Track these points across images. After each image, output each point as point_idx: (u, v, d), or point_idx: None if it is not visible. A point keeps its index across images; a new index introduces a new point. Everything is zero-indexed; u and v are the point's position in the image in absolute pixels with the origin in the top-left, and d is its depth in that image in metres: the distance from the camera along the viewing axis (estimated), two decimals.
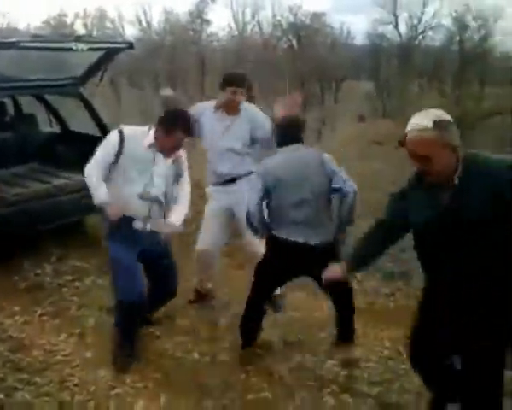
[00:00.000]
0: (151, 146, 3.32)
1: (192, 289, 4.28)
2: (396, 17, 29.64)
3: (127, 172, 3.31)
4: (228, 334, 3.80)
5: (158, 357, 3.54)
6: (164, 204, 3.41)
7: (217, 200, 4.03)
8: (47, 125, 6.34)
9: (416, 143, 2.20)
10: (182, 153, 3.46)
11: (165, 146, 3.31)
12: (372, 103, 28.28)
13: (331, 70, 27.60)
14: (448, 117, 2.22)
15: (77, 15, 27.77)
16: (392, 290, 5.06)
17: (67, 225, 5.22)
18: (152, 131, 3.34)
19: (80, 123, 6.20)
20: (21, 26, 26.84)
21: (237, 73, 4.15)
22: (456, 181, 2.21)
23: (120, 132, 3.33)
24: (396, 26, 29.76)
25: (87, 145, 5.69)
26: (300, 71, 25.68)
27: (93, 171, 3.36)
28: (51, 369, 3.37)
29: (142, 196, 3.31)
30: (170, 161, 3.38)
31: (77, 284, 4.60)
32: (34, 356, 3.52)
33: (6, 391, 3.13)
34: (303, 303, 4.29)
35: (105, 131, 5.59)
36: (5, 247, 4.74)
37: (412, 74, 26.49)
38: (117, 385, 3.23)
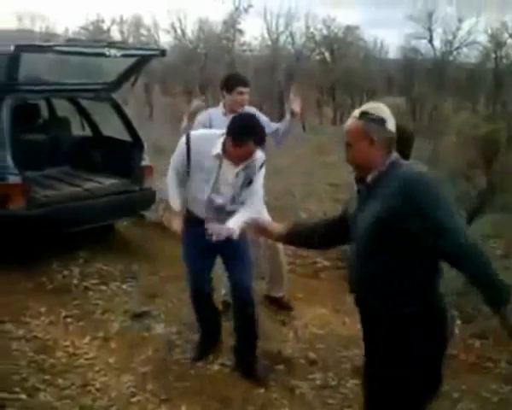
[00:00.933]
0: (218, 156, 3.14)
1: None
2: (431, 32, 29.42)
3: (194, 180, 3.22)
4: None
5: (179, 367, 3.52)
6: (230, 211, 3.24)
7: None
8: (79, 129, 6.43)
9: (345, 130, 2.25)
10: (258, 156, 3.22)
11: (235, 157, 3.11)
12: (403, 119, 27.98)
13: (363, 83, 27.47)
14: (384, 114, 2.18)
15: (113, 21, 28.21)
16: None
17: (96, 228, 5.28)
18: (220, 141, 3.13)
19: (112, 128, 6.27)
20: (60, 30, 27.38)
21: (241, 74, 4.35)
22: (369, 179, 2.18)
23: (187, 139, 3.21)
24: (430, 41, 29.53)
25: (118, 150, 5.85)
26: (332, 83, 25.62)
27: (170, 180, 3.35)
28: (74, 372, 3.39)
29: (207, 205, 3.22)
30: (240, 168, 3.19)
31: (102, 287, 4.64)
32: (57, 358, 3.54)
33: (28, 391, 3.15)
34: (325, 320, 4.23)
35: (136, 136, 5.66)
36: (34, 247, 4.82)
37: (445, 90, 26.17)
38: (138, 392, 3.22)
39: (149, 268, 5.06)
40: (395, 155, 2.19)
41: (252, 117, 3.23)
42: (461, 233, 1.96)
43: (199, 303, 3.61)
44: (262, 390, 3.30)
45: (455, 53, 30.30)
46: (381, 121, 2.17)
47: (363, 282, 2.23)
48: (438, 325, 2.15)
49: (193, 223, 3.29)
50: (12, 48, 4.26)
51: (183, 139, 3.21)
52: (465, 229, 2.00)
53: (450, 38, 29.69)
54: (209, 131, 3.47)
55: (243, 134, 3.02)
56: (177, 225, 3.33)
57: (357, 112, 2.23)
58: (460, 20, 29.66)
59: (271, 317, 4.20)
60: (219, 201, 3.23)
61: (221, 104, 3.98)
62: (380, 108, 2.22)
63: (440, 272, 2.14)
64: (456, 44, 29.97)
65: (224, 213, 3.23)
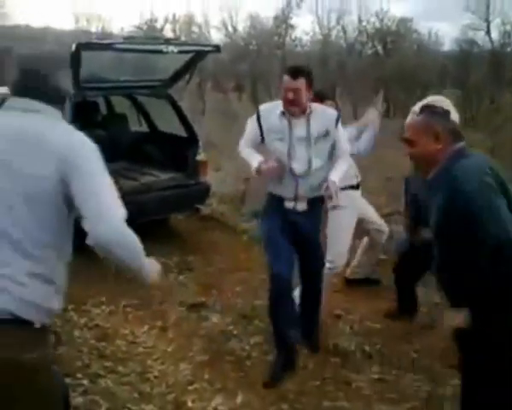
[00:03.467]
0: (283, 114, 3.25)
1: None
2: (488, 23, 28.42)
3: (270, 144, 3.32)
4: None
5: (235, 357, 3.57)
6: (313, 178, 3.29)
7: None
8: (136, 125, 6.58)
9: (406, 126, 2.21)
10: (327, 110, 3.36)
11: (289, 103, 3.19)
12: (459, 112, 27.22)
13: (417, 77, 26.85)
14: (445, 105, 2.16)
15: (166, 20, 28.60)
16: None
17: (153, 222, 5.39)
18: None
19: (169, 124, 6.38)
20: (115, 29, 28.01)
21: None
22: (430, 176, 2.12)
23: (257, 110, 3.39)
24: (488, 32, 28.54)
25: (174, 145, 5.95)
26: (385, 77, 25.15)
27: (243, 147, 3.44)
28: (133, 359, 3.48)
29: (288, 178, 3.28)
30: (306, 119, 3.24)
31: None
32: (117, 346, 3.65)
33: (90, 377, 3.26)
34: (383, 314, 4.17)
35: (191, 132, 5.75)
36: None
37: (503, 82, 25.27)
38: (195, 380, 3.28)
39: (204, 260, 5.13)
40: (459, 144, 2.10)
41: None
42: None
43: (278, 298, 3.29)
44: (318, 383, 3.30)
45: None
46: (446, 113, 2.12)
47: None
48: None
49: (275, 202, 3.37)
50: (73, 47, 4.40)
51: (254, 116, 3.35)
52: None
53: (509, 28, 28.64)
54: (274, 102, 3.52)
55: (295, 70, 3.19)
56: (272, 163, 3.24)
57: (417, 106, 2.19)
58: None
59: (327, 311, 4.18)
60: (296, 167, 3.25)
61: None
62: (441, 100, 2.19)
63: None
64: None
65: (305, 182, 3.28)
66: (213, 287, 4.57)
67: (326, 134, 3.28)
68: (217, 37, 28.62)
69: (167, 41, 5.34)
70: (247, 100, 24.08)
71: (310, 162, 3.26)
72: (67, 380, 3.00)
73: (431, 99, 2.20)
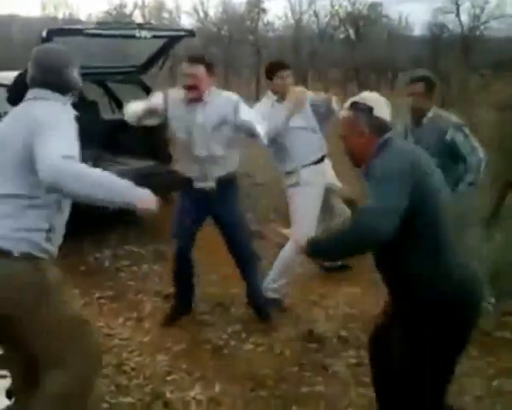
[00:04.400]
0: (185, 99, 3.47)
1: None
2: (458, 6, 28.71)
3: (174, 130, 3.56)
4: (281, 325, 3.78)
5: (212, 346, 3.56)
6: (218, 160, 3.52)
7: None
8: (109, 113, 6.47)
9: (340, 122, 2.34)
10: (227, 97, 3.52)
11: (185, 87, 3.44)
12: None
13: (387, 61, 27.01)
14: (373, 102, 2.21)
15: (136, 5, 28.17)
16: None
17: (126, 211, 5.30)
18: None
19: None
20: (83, 16, 27.50)
21: (280, 59, 4.63)
22: (363, 168, 2.23)
23: (165, 95, 3.56)
24: (457, 16, 28.82)
25: (147, 133, 5.86)
26: (356, 61, 25.24)
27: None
28: (109, 352, 3.43)
29: (193, 155, 3.50)
30: (202, 108, 3.44)
31: (134, 268, 4.69)
32: None
33: None
34: (358, 299, 4.20)
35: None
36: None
37: (473, 66, 25.60)
38: (173, 371, 3.27)
39: None
40: (385, 136, 2.18)
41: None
42: None
43: (179, 265, 3.79)
44: (295, 369, 3.32)
45: (482, 27, 29.57)
46: (369, 110, 2.19)
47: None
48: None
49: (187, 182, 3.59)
50: (44, 33, 4.30)
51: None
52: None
53: (478, 11, 28.97)
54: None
55: (193, 57, 3.45)
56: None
57: (348, 102, 2.27)
58: None
59: (302, 297, 4.20)
60: (198, 151, 3.49)
61: (268, 93, 4.00)
62: (369, 97, 2.25)
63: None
64: (483, 18, 29.24)
65: (212, 172, 3.54)
66: None
67: (223, 122, 3.43)
68: (188, 22, 28.37)
69: (140, 26, 5.24)
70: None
71: (209, 149, 3.47)
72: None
73: (359, 96, 2.27)
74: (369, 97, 2.25)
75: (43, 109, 2.19)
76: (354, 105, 2.23)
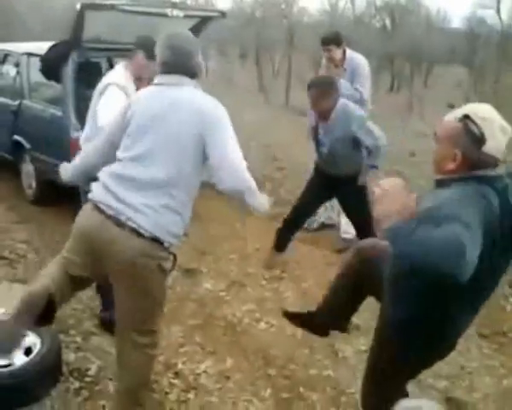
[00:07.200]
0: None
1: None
2: (498, 2, 28.05)
3: None
4: (294, 307, 3.83)
5: (226, 322, 3.64)
6: None
7: None
8: None
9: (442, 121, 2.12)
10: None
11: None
12: (464, 91, 27.06)
13: (423, 53, 26.58)
14: (487, 127, 1.79)
15: None
16: None
17: None
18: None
19: None
20: None
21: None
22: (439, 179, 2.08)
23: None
24: (498, 11, 28.17)
25: None
26: (391, 51, 24.91)
27: None
28: None
29: None
30: None
31: None
32: None
33: (84, 335, 3.34)
34: None
35: None
36: None
37: (510, 62, 25.01)
38: (186, 343, 3.36)
39: (200, 227, 5.17)
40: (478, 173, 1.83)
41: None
42: None
43: None
44: (306, 351, 3.38)
45: None
46: (479, 139, 1.80)
47: None
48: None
49: None
50: (78, 6, 4.37)
51: None
52: None
53: None
54: None
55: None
56: None
57: (461, 111, 1.87)
58: None
59: (317, 281, 4.25)
60: None
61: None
62: (488, 119, 1.81)
63: None
64: None
65: None
66: (208, 253, 4.63)
67: None
68: (223, 4, 28.25)
69: (173, 5, 5.28)
70: (250, 68, 23.84)
71: None
72: (61, 337, 3.08)
73: (474, 111, 1.82)
74: (487, 120, 1.81)
75: (203, 101, 2.33)
76: (466, 120, 1.83)
